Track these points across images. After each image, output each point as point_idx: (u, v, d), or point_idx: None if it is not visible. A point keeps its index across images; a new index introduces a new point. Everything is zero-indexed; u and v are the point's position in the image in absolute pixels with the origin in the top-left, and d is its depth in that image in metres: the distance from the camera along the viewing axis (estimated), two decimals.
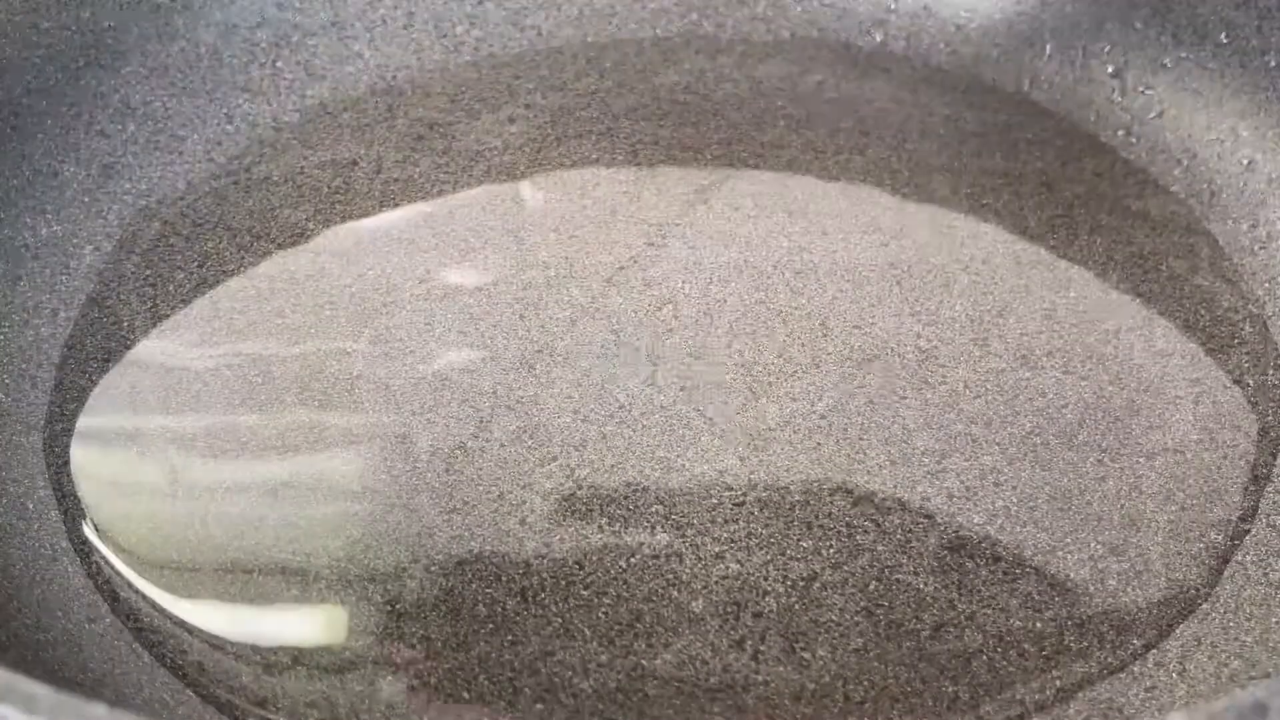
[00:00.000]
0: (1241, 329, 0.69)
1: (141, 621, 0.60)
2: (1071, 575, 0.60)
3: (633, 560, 0.61)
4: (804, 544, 0.62)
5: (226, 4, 0.84)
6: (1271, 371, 0.67)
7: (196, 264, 0.74)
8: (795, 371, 0.67)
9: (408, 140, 0.79)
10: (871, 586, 0.60)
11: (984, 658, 0.58)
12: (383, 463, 0.65)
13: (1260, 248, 0.72)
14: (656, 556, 0.61)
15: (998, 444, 0.64)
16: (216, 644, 0.59)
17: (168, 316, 0.71)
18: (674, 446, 0.65)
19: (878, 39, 0.84)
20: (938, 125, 0.79)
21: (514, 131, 0.80)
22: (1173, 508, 0.62)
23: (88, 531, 0.63)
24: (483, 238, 0.74)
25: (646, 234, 0.74)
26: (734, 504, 0.63)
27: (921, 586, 0.60)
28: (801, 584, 0.60)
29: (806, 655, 0.58)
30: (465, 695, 0.57)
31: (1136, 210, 0.74)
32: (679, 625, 0.59)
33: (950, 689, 0.57)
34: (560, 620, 0.59)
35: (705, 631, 0.59)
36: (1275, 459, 0.61)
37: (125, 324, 0.71)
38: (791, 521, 0.62)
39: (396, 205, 0.76)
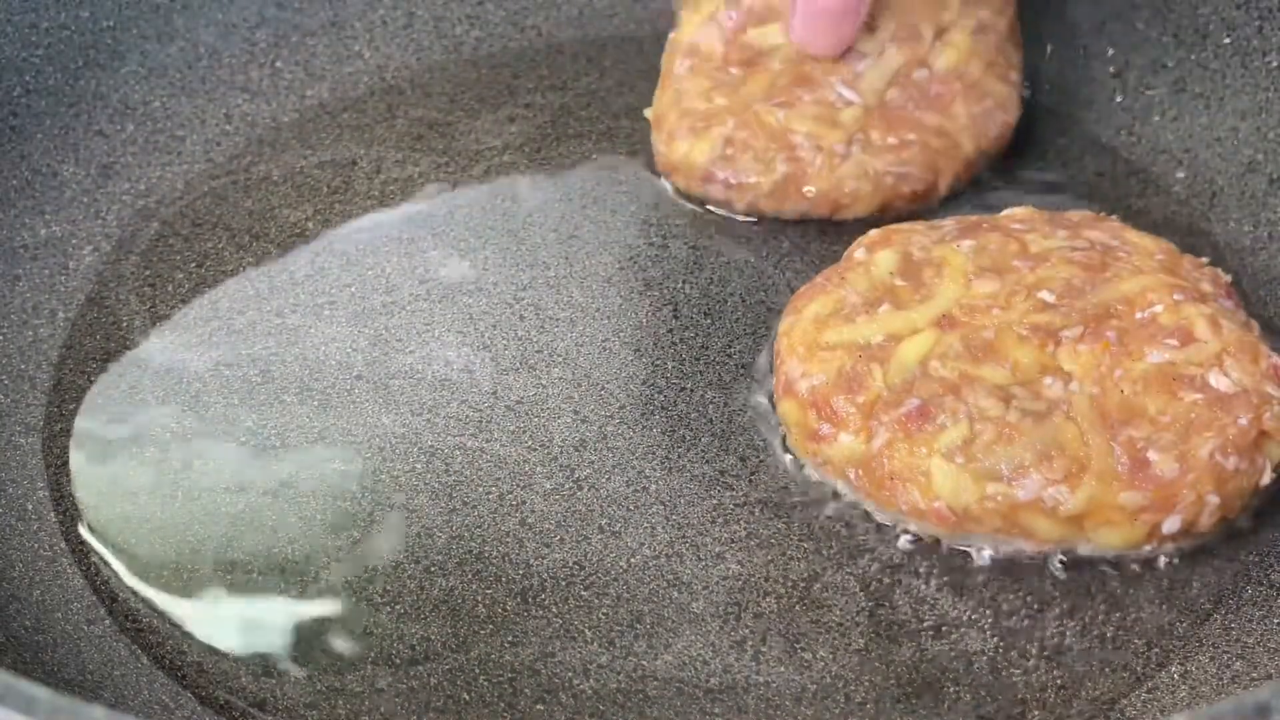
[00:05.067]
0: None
1: (140, 623, 0.60)
2: (1073, 576, 0.60)
3: (633, 560, 0.61)
4: (805, 544, 0.61)
5: (226, 4, 0.84)
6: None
7: (196, 264, 0.73)
8: None
9: (408, 140, 0.79)
10: (873, 586, 0.60)
11: (985, 658, 0.58)
12: (383, 463, 0.65)
13: (1260, 248, 0.72)
14: (656, 556, 0.61)
15: None
16: (215, 646, 0.59)
17: (167, 317, 0.71)
18: (674, 446, 0.65)
19: None
20: None
21: (514, 131, 0.80)
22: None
23: (86, 533, 0.63)
24: (483, 238, 0.74)
25: (646, 234, 0.74)
26: (735, 504, 0.63)
27: (923, 587, 0.60)
28: (802, 584, 0.60)
29: (807, 656, 0.58)
30: (465, 695, 0.57)
31: (1137, 210, 0.74)
32: (679, 626, 0.59)
33: (952, 690, 0.57)
34: (560, 621, 0.59)
35: (706, 632, 0.59)
36: (1273, 460, 0.61)
37: (124, 324, 0.71)
38: (792, 522, 0.62)
39: (396, 205, 0.76)
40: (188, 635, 0.59)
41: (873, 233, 0.68)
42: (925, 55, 0.75)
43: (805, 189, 0.71)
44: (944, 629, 0.59)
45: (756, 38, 0.76)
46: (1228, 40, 0.76)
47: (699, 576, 0.61)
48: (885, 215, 0.72)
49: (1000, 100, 0.74)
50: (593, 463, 0.64)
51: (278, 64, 0.83)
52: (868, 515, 0.62)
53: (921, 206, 0.72)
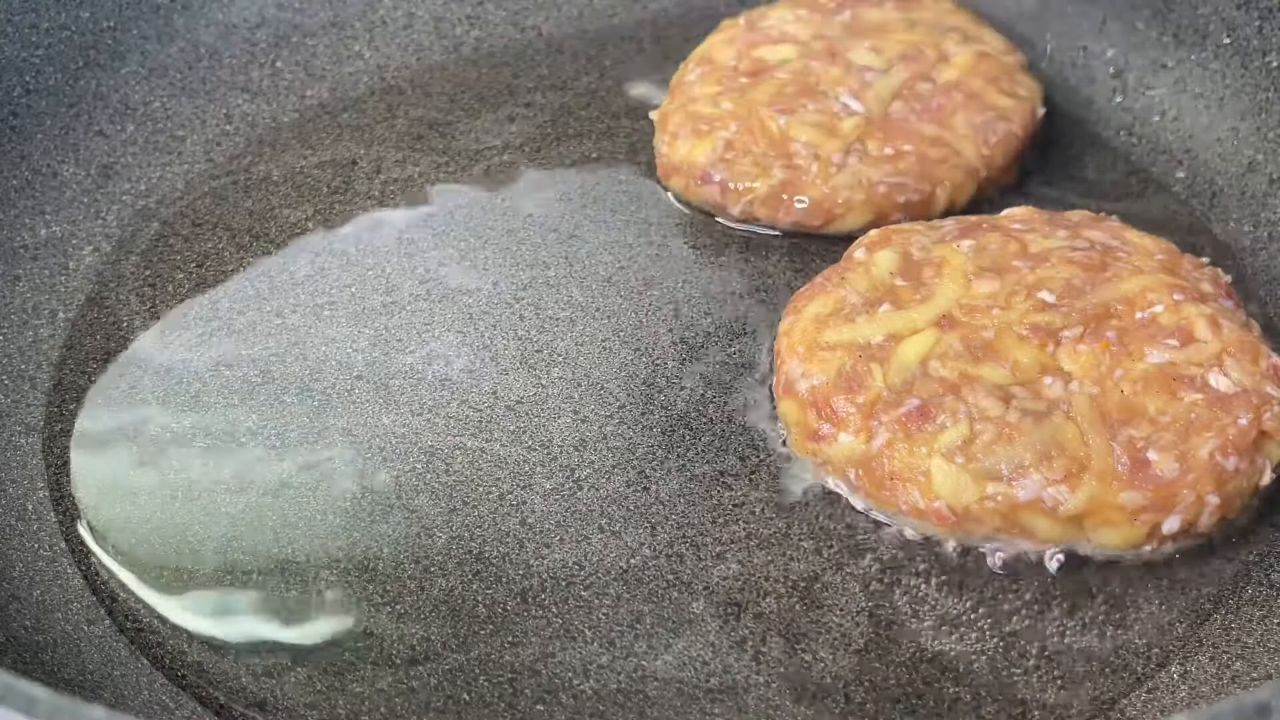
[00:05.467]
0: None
1: (140, 623, 0.60)
2: (1074, 575, 0.60)
3: (633, 560, 0.61)
4: (805, 544, 0.61)
5: (226, 4, 0.84)
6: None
7: (196, 264, 0.73)
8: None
9: (408, 140, 0.79)
10: (873, 587, 0.60)
11: (985, 658, 0.58)
12: (383, 463, 0.65)
13: (1260, 248, 0.72)
14: (656, 556, 0.61)
15: None
16: (215, 646, 0.59)
17: (167, 317, 0.71)
18: (674, 446, 0.65)
19: None
20: None
21: (513, 130, 0.80)
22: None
23: (86, 533, 0.63)
24: (483, 238, 0.74)
25: (646, 234, 0.74)
26: (735, 504, 0.63)
27: (923, 587, 0.60)
28: (802, 584, 0.60)
29: (807, 656, 0.58)
30: (465, 695, 0.57)
31: (1137, 210, 0.74)
32: (679, 626, 0.59)
33: (952, 690, 0.57)
34: (560, 621, 0.59)
35: (706, 632, 0.59)
36: (1273, 460, 0.61)
37: (124, 324, 0.71)
38: (792, 521, 0.62)
39: (396, 205, 0.76)
40: (188, 635, 0.59)
41: (873, 233, 0.68)
42: (930, 70, 0.75)
43: (798, 198, 0.71)
44: (944, 629, 0.59)
45: (768, 53, 0.77)
46: (1228, 40, 0.76)
47: (699, 576, 0.61)
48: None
49: (1004, 111, 0.74)
50: (593, 463, 0.64)
51: (278, 64, 0.83)
52: (868, 515, 0.62)
53: (919, 220, 0.71)
